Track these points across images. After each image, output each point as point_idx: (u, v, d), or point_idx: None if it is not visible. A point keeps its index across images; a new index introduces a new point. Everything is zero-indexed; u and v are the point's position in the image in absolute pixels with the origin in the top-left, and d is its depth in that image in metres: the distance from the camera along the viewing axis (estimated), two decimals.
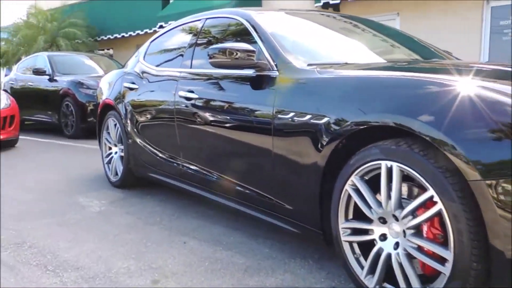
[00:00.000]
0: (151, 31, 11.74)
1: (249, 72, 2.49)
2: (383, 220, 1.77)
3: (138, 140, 3.52)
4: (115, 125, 3.86)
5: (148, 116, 3.39)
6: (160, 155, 3.29)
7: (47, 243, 2.58)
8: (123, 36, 12.76)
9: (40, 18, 13.22)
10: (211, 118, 2.70)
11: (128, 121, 3.61)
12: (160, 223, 2.93)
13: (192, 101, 2.84)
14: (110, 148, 4.04)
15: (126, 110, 3.63)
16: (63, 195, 3.68)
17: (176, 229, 2.81)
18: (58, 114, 7.92)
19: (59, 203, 3.43)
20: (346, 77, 2.06)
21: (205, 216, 3.05)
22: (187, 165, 2.99)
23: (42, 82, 8.36)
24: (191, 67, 3.06)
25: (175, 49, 3.48)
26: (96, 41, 13.46)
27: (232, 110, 2.56)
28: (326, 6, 8.52)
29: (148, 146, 3.41)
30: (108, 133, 4.03)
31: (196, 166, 2.91)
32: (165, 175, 3.30)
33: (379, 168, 1.75)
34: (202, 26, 3.16)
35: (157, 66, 3.51)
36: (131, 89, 3.62)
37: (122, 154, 3.77)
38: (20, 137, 6.78)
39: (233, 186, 2.61)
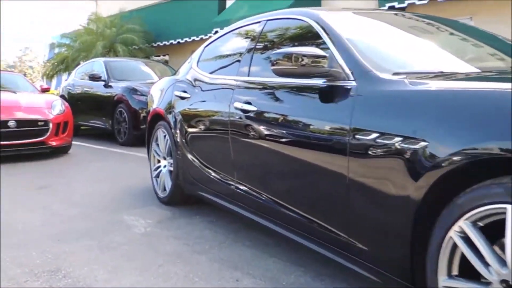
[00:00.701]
0: (207, 37, 11.59)
1: (318, 82, 2.09)
2: (506, 285, 1.31)
3: (188, 155, 3.20)
4: (165, 136, 3.57)
5: (200, 128, 3.06)
6: (212, 172, 2.94)
7: (83, 272, 2.28)
8: (178, 42, 12.72)
9: (99, 25, 13.45)
10: (271, 135, 2.31)
11: (178, 133, 3.29)
12: (209, 252, 2.57)
13: (250, 114, 2.47)
14: (158, 161, 3.75)
15: (176, 121, 3.32)
16: (109, 211, 3.42)
17: (227, 260, 2.44)
18: (111, 120, 7.85)
19: (103, 221, 3.17)
20: (451, 92, 1.60)
21: (260, 245, 2.66)
22: (242, 186, 2.62)
23: (97, 88, 8.34)
24: (248, 75, 2.70)
25: (231, 54, 3.14)
26: (153, 47, 13.52)
27: (296, 126, 2.16)
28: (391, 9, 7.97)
29: (199, 162, 3.08)
30: (157, 144, 3.74)
31: (252, 188, 2.53)
32: (216, 195, 2.95)
33: (503, 213, 1.29)
34: (262, 29, 2.79)
35: (211, 73, 3.18)
36: (182, 98, 3.31)
37: (171, 168, 3.46)
38: (74, 142, 6.73)
39: (295, 215, 2.21)
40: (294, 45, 2.43)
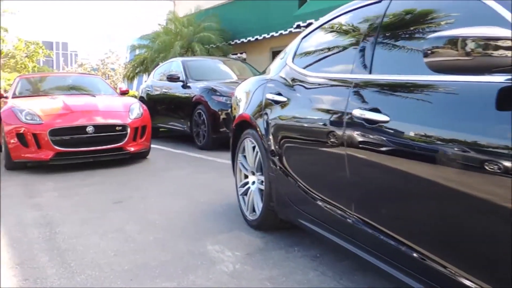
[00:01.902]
0: (287, 32, 10.97)
1: (496, 79, 1.38)
2: None
3: (284, 172, 2.58)
4: (254, 148, 2.98)
5: (301, 140, 2.43)
6: (317, 198, 2.30)
7: None
8: (256, 39, 12.20)
9: (177, 24, 13.30)
10: (415, 157, 1.62)
11: (272, 145, 2.69)
12: None
13: (379, 126, 1.79)
14: (246, 177, 3.18)
15: (269, 130, 2.72)
16: (189, 237, 2.89)
17: None
18: (190, 122, 7.47)
19: (183, 251, 2.64)
20: None
21: None
22: (363, 223, 1.95)
23: (176, 89, 8.01)
24: (370, 72, 2.01)
25: (340, 46, 2.47)
26: (230, 45, 13.14)
27: (457, 146, 1.45)
28: None
29: (299, 183, 2.45)
30: (244, 157, 3.17)
31: (378, 227, 1.85)
32: (324, 227, 2.30)
33: None
34: (386, 10, 2.09)
35: (314, 70, 2.53)
36: (276, 102, 2.70)
37: (262, 186, 2.87)
38: (152, 146, 6.40)
39: (446, 271, 1.51)
40: (446, 29, 1.71)
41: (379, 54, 2.01)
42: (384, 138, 1.76)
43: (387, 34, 2.04)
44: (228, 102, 6.78)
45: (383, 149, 1.77)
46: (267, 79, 2.99)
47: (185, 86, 7.76)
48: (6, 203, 3.81)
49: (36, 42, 19.78)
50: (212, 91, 7.02)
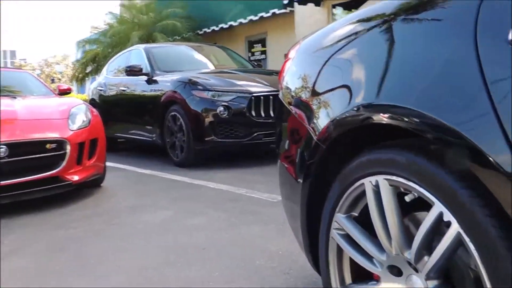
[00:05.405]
0: (269, 14, 9.06)
1: None
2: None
3: None
4: (419, 205, 1.01)
5: None
6: None
7: None
8: (230, 25, 10.22)
9: (133, 11, 11.10)
10: None
11: None
12: None
13: None
14: (363, 277, 1.20)
15: None
16: None
17: None
18: (160, 129, 5.40)
19: None
20: None
21: None
22: None
23: (138, 85, 5.94)
24: None
25: None
26: (198, 35, 11.08)
27: None
28: None
29: None
30: (362, 223, 1.20)
31: None
32: None
33: None
34: None
35: None
36: None
37: None
38: (108, 164, 4.27)
39: None
40: None
41: None
42: None
43: None
44: (216, 98, 4.79)
45: None
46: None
47: (150, 81, 5.70)
48: None
49: None
50: (192, 84, 4.99)
